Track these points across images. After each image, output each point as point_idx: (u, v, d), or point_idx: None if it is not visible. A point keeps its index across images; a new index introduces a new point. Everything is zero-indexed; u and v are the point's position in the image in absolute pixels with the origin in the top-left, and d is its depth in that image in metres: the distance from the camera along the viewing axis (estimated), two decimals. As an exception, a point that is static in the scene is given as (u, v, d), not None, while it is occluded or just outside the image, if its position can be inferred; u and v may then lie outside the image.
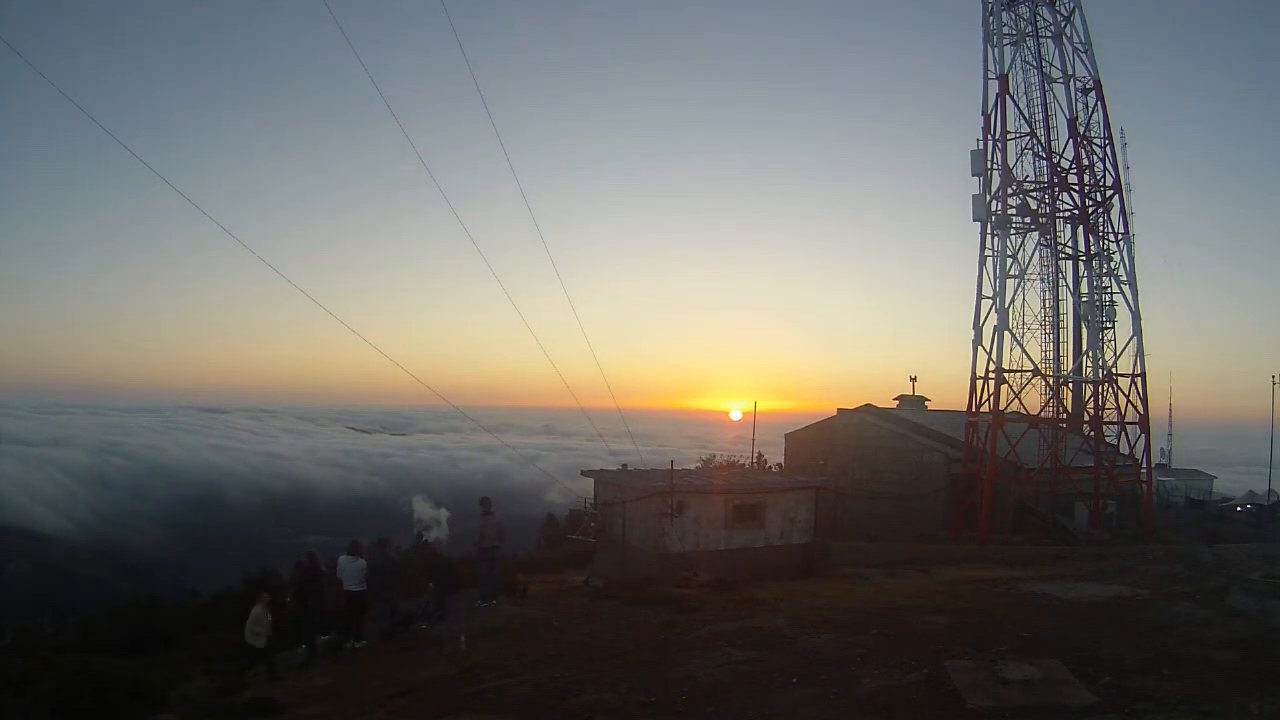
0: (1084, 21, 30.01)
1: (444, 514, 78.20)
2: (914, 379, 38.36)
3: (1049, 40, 29.92)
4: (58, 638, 21.89)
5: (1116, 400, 30.29)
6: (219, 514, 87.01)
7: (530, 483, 78.75)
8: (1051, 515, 29.00)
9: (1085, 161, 29.95)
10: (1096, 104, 30.02)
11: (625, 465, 25.41)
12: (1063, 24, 29.94)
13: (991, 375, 28.72)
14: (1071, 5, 30.01)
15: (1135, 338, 30.04)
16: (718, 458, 38.93)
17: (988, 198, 29.09)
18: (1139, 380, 30.06)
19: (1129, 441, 30.49)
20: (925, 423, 33.45)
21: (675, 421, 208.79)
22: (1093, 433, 30.55)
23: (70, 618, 26.64)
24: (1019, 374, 28.76)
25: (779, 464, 37.24)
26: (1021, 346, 28.74)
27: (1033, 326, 29.45)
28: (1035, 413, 28.69)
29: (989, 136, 29.20)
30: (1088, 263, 30.29)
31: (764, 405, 38.26)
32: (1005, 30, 29.28)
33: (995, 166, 29.09)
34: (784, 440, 37.62)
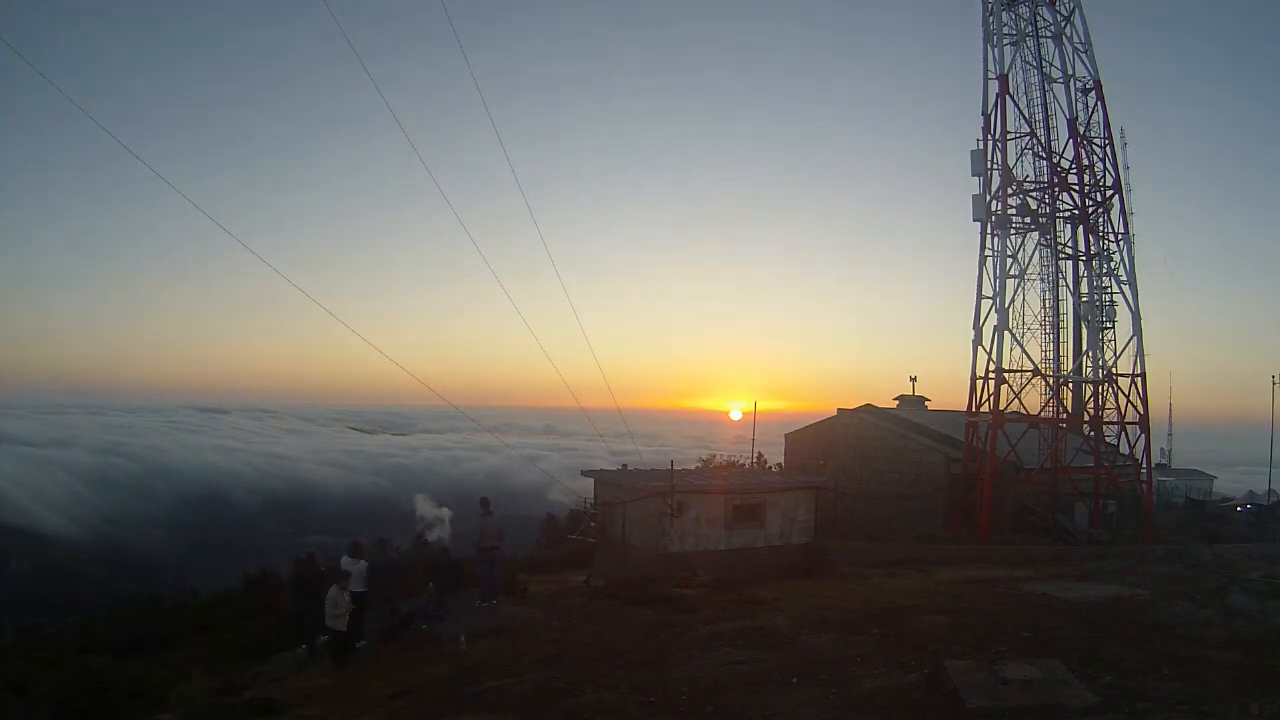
0: (1084, 21, 30.02)
1: (446, 513, 78.27)
2: (914, 379, 38.37)
3: (1049, 40, 29.92)
4: (58, 638, 21.95)
5: (1116, 400, 30.28)
6: (222, 514, 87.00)
7: (531, 483, 78.73)
8: (1051, 515, 28.99)
9: (1085, 161, 29.94)
10: (1096, 104, 30.02)
11: (625, 465, 25.45)
12: (1063, 24, 29.94)
13: (991, 375, 28.72)
14: (1071, 5, 30.01)
15: (1135, 338, 30.03)
16: (718, 457, 38.96)
17: (988, 198, 29.09)
18: (1139, 380, 30.06)
19: (1129, 441, 30.48)
20: (925, 423, 33.45)
21: (675, 421, 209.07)
22: (1093, 433, 30.53)
23: (70, 618, 26.69)
24: (1019, 374, 28.75)
25: (779, 464, 37.23)
26: (1021, 346, 28.74)
27: (1033, 326, 29.44)
28: (1035, 413, 28.67)
29: (989, 136, 29.20)
30: (1088, 263, 30.29)
31: (764, 405, 38.25)
32: (1005, 30, 29.27)
33: (995, 166, 29.09)
34: (784, 440, 37.60)
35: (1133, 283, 30.16)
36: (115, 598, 30.62)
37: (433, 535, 53.08)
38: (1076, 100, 29.90)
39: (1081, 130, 29.70)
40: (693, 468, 30.47)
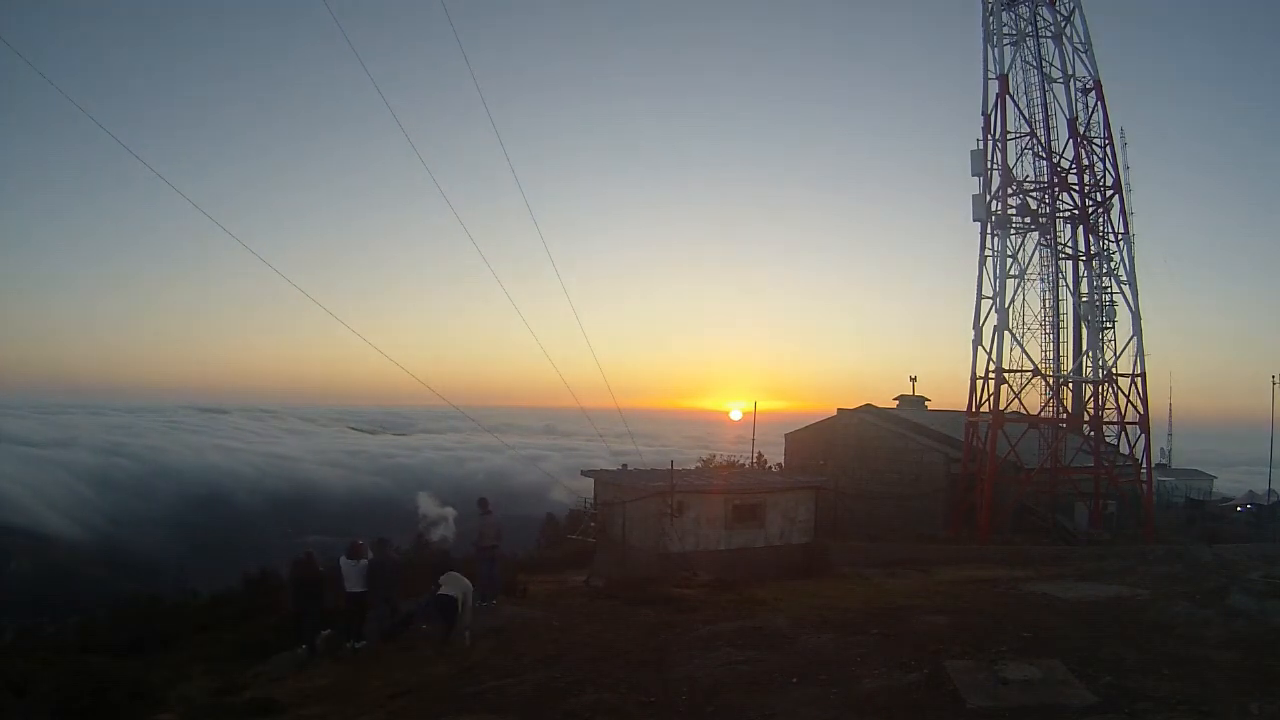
0: (1084, 21, 30.03)
1: (450, 512, 78.23)
2: (914, 379, 38.38)
3: (1049, 40, 29.92)
4: (58, 638, 21.91)
5: (1116, 400, 30.29)
6: (222, 514, 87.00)
7: (531, 482, 78.71)
8: (1051, 515, 28.99)
9: (1085, 161, 29.94)
10: (1096, 104, 30.02)
11: (625, 465, 25.45)
12: (1063, 24, 29.94)
13: (991, 375, 28.72)
14: (1071, 5, 30.01)
15: (1135, 338, 30.03)
16: (718, 457, 38.97)
17: (988, 198, 29.09)
18: (1139, 380, 30.06)
19: (1129, 441, 30.48)
20: (925, 423, 33.45)
21: (675, 421, 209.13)
22: (1093, 433, 30.53)
23: (71, 618, 26.68)
24: (1019, 374, 28.76)
25: (779, 464, 37.23)
26: (1021, 346, 28.75)
27: (1033, 326, 29.47)
28: (1035, 413, 28.67)
29: (989, 136, 29.20)
30: (1088, 263, 30.29)
31: (764, 405, 38.27)
32: (1005, 30, 29.28)
33: (995, 166, 29.10)
34: (784, 440, 37.60)
35: (1133, 283, 30.18)
36: (115, 598, 30.63)
37: (436, 534, 53.13)
38: (1076, 100, 29.91)
39: (1081, 130, 29.70)
40: (693, 468, 30.49)
